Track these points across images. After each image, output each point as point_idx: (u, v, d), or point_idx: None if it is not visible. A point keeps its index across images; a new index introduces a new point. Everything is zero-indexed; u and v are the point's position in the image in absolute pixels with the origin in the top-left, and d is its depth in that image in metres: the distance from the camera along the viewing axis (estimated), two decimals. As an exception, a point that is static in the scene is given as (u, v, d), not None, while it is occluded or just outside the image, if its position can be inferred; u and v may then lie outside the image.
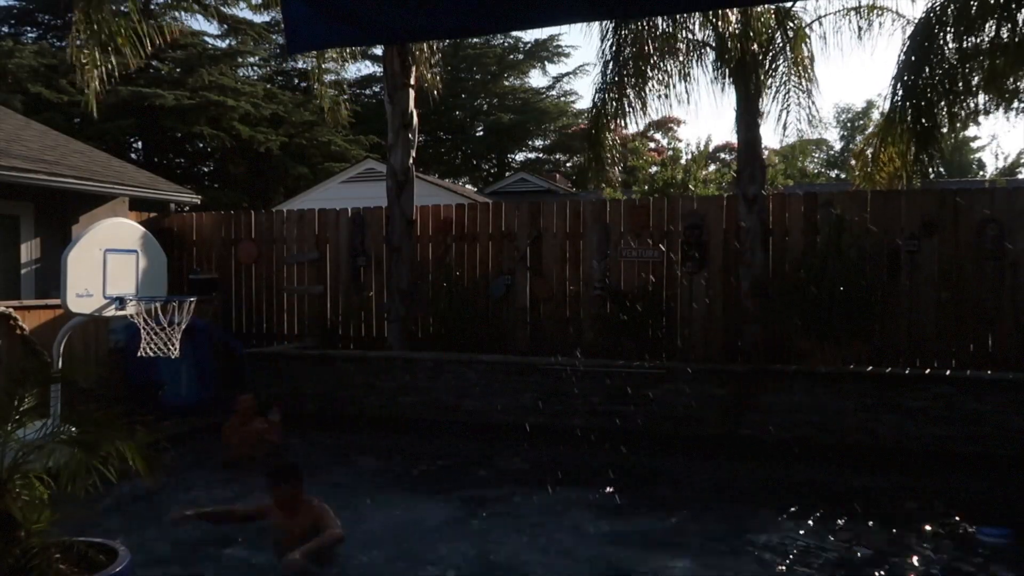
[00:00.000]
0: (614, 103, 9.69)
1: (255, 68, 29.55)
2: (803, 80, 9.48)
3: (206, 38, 26.81)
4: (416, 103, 10.43)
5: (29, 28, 25.75)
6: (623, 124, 10.15)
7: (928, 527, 5.81)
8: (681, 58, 9.56)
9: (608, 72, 9.61)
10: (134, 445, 3.63)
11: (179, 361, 8.17)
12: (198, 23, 43.86)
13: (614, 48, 9.48)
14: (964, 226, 8.71)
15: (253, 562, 5.18)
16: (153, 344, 7.43)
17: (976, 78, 8.38)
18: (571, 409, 8.94)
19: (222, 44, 27.27)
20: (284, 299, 11.30)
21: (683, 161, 19.59)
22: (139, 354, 7.48)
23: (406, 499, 6.66)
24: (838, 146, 41.76)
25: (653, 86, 9.59)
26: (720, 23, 9.03)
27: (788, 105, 9.48)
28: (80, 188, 9.99)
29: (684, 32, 9.47)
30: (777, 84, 9.43)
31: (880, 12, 9.28)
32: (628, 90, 9.59)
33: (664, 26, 9.35)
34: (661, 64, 9.53)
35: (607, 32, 9.52)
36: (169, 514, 5.45)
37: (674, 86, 9.61)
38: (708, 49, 9.44)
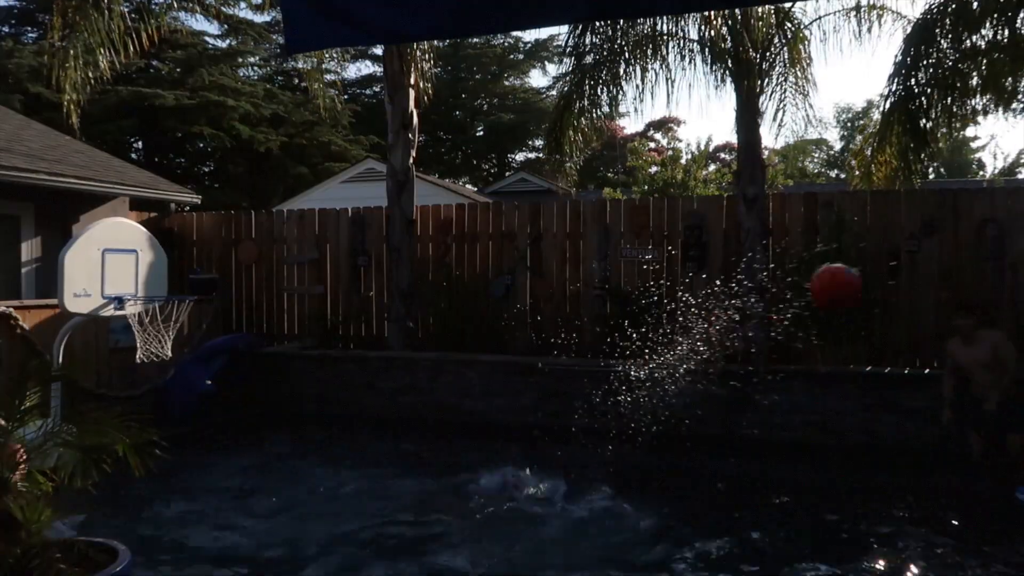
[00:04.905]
0: (583, 100, 9.80)
1: (255, 68, 29.56)
2: (800, 81, 9.49)
3: (206, 38, 26.85)
4: (416, 103, 10.44)
5: (29, 28, 25.74)
6: (591, 122, 10.19)
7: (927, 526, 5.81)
8: (672, 58, 9.60)
9: (575, 72, 9.71)
10: (131, 445, 3.63)
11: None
12: (198, 23, 43.90)
13: (582, 46, 9.59)
14: (964, 226, 8.70)
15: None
16: (150, 347, 7.45)
17: (975, 78, 8.38)
18: (571, 409, 8.94)
19: (222, 44, 27.30)
20: (284, 299, 11.30)
21: (683, 161, 19.57)
22: (139, 359, 7.51)
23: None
24: (838, 146, 41.81)
25: (634, 84, 9.67)
26: (719, 24, 9.06)
27: (784, 106, 9.48)
28: (81, 188, 9.99)
29: (681, 31, 9.50)
30: (773, 85, 9.43)
31: (880, 12, 9.28)
32: (600, 89, 9.68)
33: (654, 26, 9.40)
34: (640, 64, 9.58)
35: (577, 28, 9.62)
36: None
37: (661, 86, 9.71)
38: (706, 50, 9.45)
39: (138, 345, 7.48)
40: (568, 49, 9.76)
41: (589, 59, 9.65)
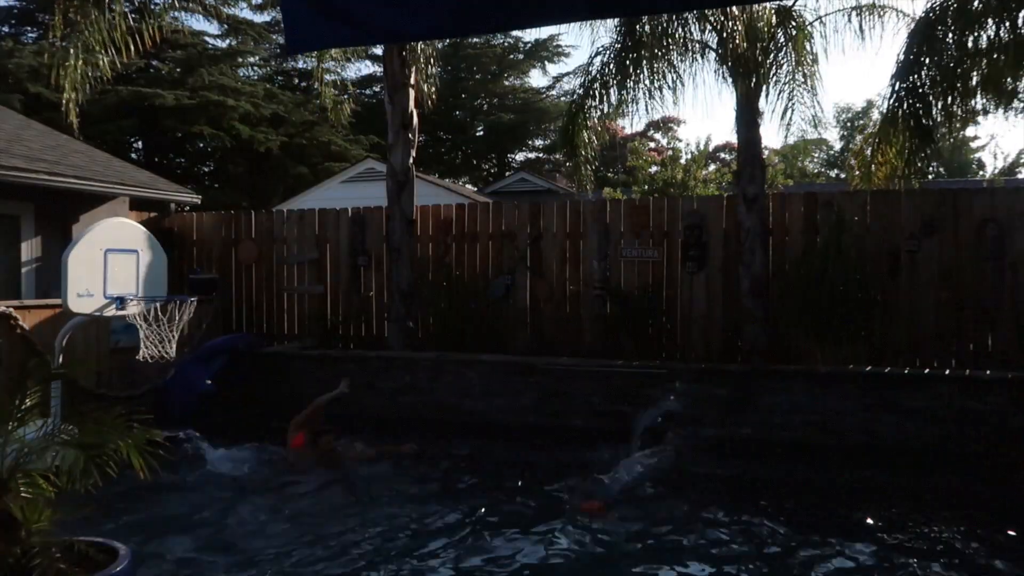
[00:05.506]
0: (595, 102, 9.80)
1: (255, 68, 29.57)
2: (807, 79, 9.47)
3: (206, 38, 26.84)
4: (416, 103, 10.44)
5: (29, 28, 25.74)
6: (603, 124, 10.21)
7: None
8: (678, 58, 9.58)
9: (593, 72, 9.71)
10: (133, 444, 3.63)
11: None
12: (198, 23, 43.88)
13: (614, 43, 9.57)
14: (964, 226, 8.71)
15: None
16: (152, 346, 7.47)
17: (975, 78, 8.37)
18: (571, 409, 8.95)
19: (222, 44, 27.31)
20: (284, 299, 11.30)
21: (683, 161, 19.57)
22: (139, 356, 7.52)
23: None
24: (838, 146, 41.77)
25: (643, 85, 9.65)
26: (720, 23, 9.05)
27: (792, 104, 9.44)
28: (81, 188, 10.00)
29: (682, 31, 9.49)
30: (781, 83, 9.41)
31: (882, 11, 9.28)
32: (611, 90, 9.68)
33: (664, 26, 9.39)
34: (655, 64, 9.58)
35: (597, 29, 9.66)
36: None
37: (667, 87, 9.69)
38: (708, 49, 9.45)
39: (142, 344, 7.50)
40: (589, 55, 9.87)
41: (598, 61, 9.70)
